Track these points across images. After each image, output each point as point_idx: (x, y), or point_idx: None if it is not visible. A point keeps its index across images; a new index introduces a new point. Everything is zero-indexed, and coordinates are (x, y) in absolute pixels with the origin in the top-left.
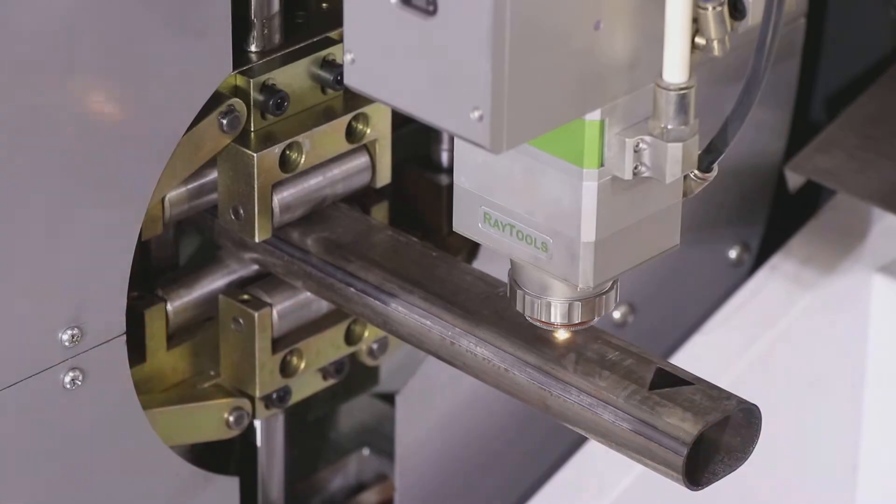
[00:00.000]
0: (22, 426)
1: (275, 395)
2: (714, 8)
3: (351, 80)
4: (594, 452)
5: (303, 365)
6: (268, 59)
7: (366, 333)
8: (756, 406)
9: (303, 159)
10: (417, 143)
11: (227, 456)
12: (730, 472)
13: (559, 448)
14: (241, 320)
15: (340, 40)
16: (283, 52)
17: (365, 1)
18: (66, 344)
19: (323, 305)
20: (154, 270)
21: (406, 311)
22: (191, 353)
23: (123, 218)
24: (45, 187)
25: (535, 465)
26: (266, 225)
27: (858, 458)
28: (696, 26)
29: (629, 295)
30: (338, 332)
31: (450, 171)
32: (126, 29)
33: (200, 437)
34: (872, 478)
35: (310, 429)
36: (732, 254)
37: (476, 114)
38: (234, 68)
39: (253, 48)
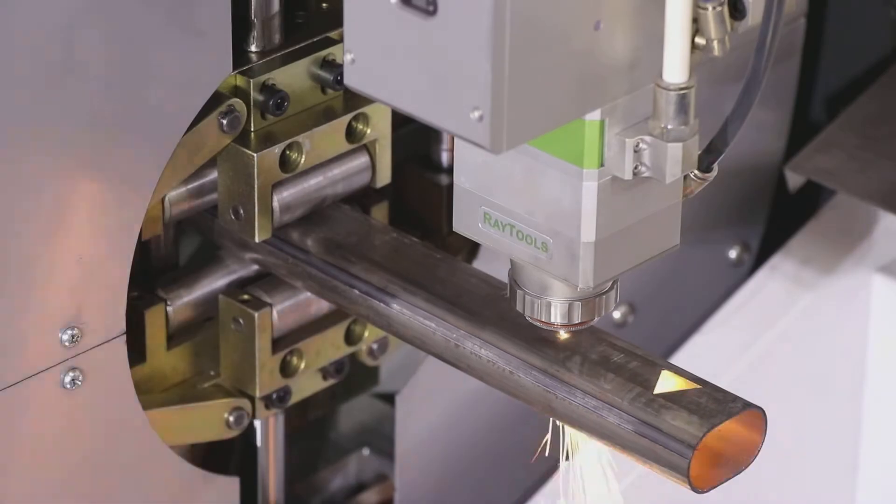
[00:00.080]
0: (22, 426)
1: (275, 395)
2: (714, 8)
3: (351, 80)
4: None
5: (303, 365)
6: (268, 59)
7: (366, 333)
8: (762, 409)
9: (303, 159)
10: (417, 143)
11: (227, 456)
12: (735, 476)
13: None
14: (241, 320)
15: (340, 40)
16: (283, 52)
17: (365, 1)
18: (66, 344)
19: (323, 305)
20: (154, 270)
21: (410, 313)
22: (191, 353)
23: (123, 218)
24: (45, 187)
25: (536, 465)
26: (266, 225)
27: (858, 458)
28: (696, 26)
29: (629, 295)
30: (338, 332)
31: (450, 171)
32: (126, 29)
33: (200, 437)
34: (872, 478)
35: (310, 429)
36: (732, 254)
37: (476, 114)
38: (234, 68)
39: (253, 48)
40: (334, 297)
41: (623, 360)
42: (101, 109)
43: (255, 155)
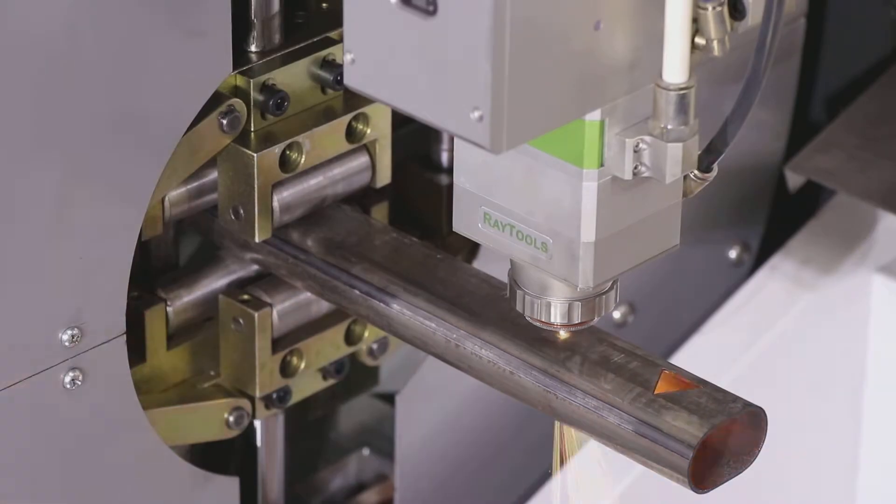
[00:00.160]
0: (22, 426)
1: (275, 395)
2: (714, 8)
3: (351, 80)
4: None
5: (303, 365)
6: (268, 59)
7: (366, 333)
8: (762, 409)
9: (303, 159)
10: (417, 143)
11: (227, 456)
12: (735, 476)
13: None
14: (241, 320)
15: (340, 40)
16: (283, 52)
17: (365, 1)
18: (67, 344)
19: (323, 305)
20: (154, 270)
21: (410, 313)
22: (191, 353)
23: (123, 218)
24: (45, 187)
25: (536, 464)
26: (266, 225)
27: (858, 458)
28: (696, 26)
29: (629, 295)
30: (338, 332)
31: (450, 171)
32: (126, 29)
33: (200, 437)
34: (872, 478)
35: (310, 429)
36: (732, 254)
37: (476, 114)
38: (234, 68)
39: (253, 48)
40: (334, 298)
41: (623, 360)
42: (101, 109)
43: (255, 155)
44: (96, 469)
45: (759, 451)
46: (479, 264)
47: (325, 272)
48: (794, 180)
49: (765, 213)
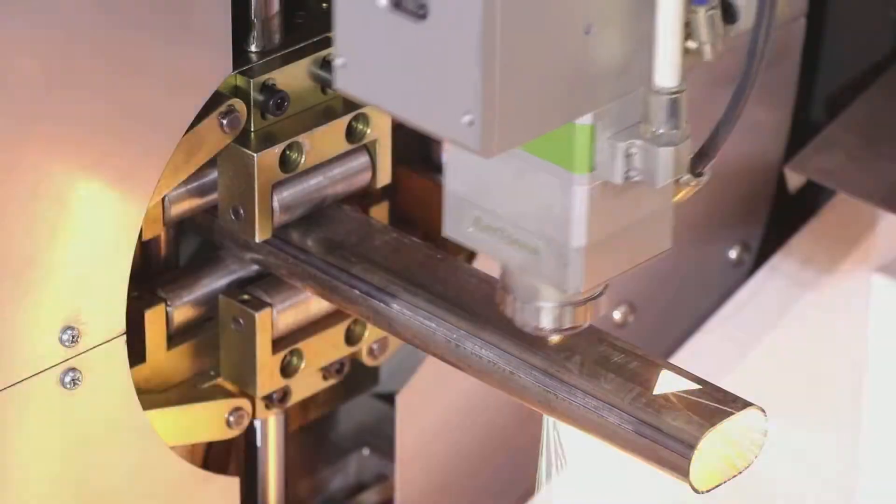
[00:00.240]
0: (22, 426)
1: (275, 395)
2: (706, 11)
3: (341, 83)
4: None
5: (303, 365)
6: (268, 59)
7: (366, 333)
8: (762, 409)
9: (303, 159)
10: (417, 143)
11: (227, 456)
12: (735, 475)
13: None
14: (241, 320)
15: None
16: (283, 52)
17: (355, 4)
18: (66, 344)
19: (323, 305)
20: (154, 270)
21: (410, 313)
22: (191, 353)
23: (123, 218)
24: (45, 187)
25: (536, 465)
26: (266, 225)
27: (858, 457)
28: (688, 30)
29: (629, 295)
30: (338, 332)
31: None
32: (126, 29)
33: (200, 437)
34: (872, 478)
35: (310, 429)
36: (732, 254)
37: (467, 118)
38: (234, 68)
39: (253, 48)
40: (335, 298)
41: (623, 361)
42: (101, 109)
43: (255, 155)
44: (96, 469)
45: (759, 451)
46: (479, 264)
47: (326, 272)
48: (794, 180)
49: (765, 213)
